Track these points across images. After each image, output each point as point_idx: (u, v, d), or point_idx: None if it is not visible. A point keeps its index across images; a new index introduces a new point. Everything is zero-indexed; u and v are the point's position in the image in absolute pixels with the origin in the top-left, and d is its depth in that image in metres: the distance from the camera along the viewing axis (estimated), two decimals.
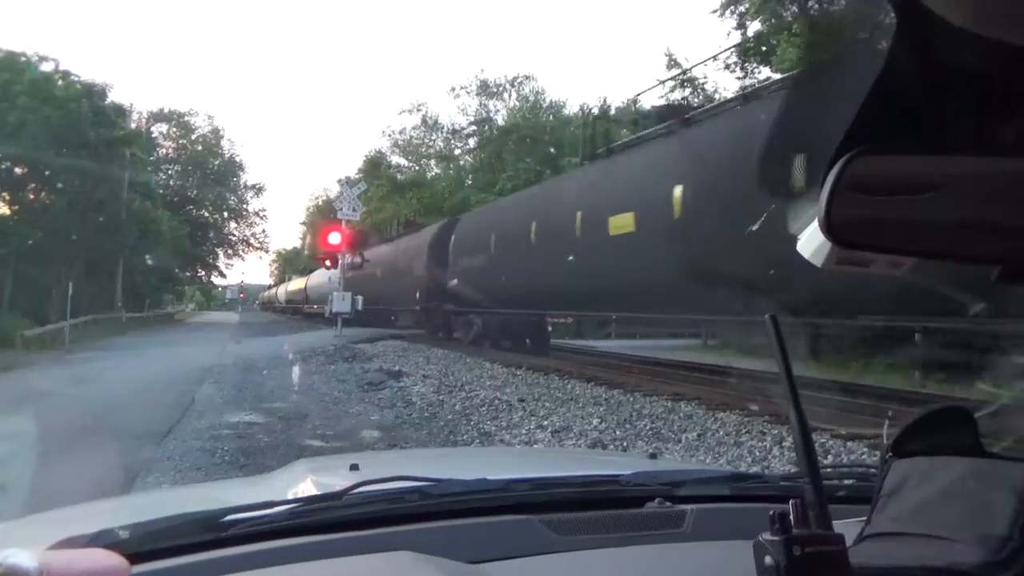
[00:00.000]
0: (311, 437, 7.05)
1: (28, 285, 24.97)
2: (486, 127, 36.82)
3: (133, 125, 40.08)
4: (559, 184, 16.25)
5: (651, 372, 11.86)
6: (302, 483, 1.68)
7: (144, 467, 5.67)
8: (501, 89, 37.39)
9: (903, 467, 0.85)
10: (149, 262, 36.14)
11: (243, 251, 57.84)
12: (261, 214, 72.45)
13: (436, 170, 40.34)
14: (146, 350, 19.06)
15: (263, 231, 78.17)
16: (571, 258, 12.05)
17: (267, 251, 67.62)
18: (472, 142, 38.14)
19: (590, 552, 1.05)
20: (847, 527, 0.78)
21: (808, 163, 6.44)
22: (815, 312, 7.83)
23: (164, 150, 52.20)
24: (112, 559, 0.57)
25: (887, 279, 0.74)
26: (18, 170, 26.66)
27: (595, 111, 28.23)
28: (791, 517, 0.67)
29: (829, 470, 1.55)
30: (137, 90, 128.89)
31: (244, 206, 56.65)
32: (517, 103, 37.36)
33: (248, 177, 59.52)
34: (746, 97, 10.58)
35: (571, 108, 36.25)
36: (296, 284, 47.59)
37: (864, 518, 0.86)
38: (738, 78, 20.99)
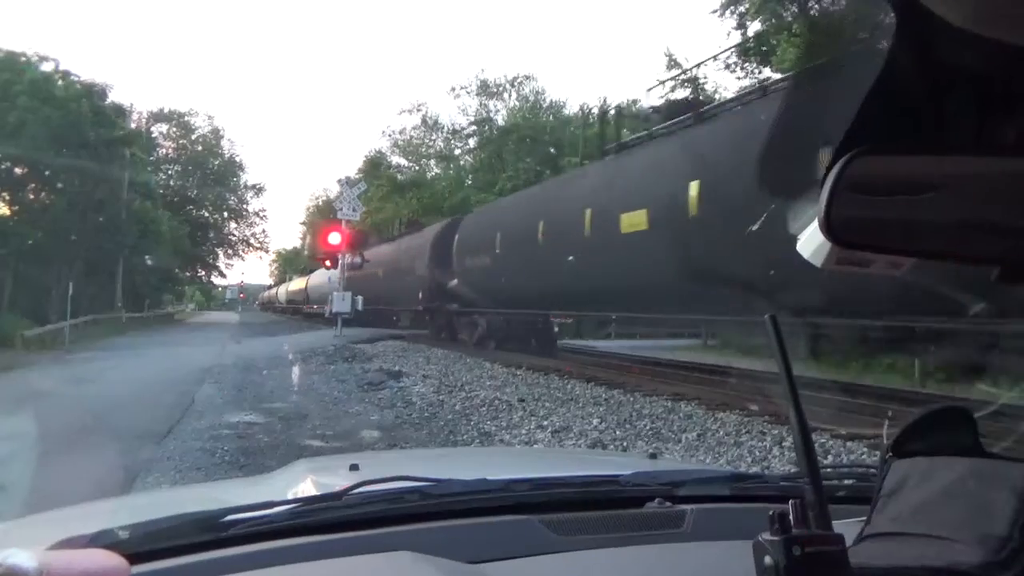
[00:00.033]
0: (311, 437, 7.05)
1: (28, 285, 24.98)
2: (486, 127, 36.82)
3: (133, 125, 40.15)
4: (567, 182, 15.79)
5: (651, 372, 11.85)
6: (302, 483, 1.68)
7: (144, 467, 5.67)
8: (501, 89, 37.45)
9: (903, 467, 0.85)
10: (149, 262, 36.16)
11: (243, 251, 57.96)
12: (261, 214, 72.65)
13: (436, 170, 40.36)
14: (146, 350, 19.07)
15: (263, 231, 78.38)
16: (579, 257, 11.79)
17: (267, 251, 67.77)
18: (472, 142, 38.18)
19: (590, 552, 1.05)
20: (847, 527, 0.78)
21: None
22: (832, 312, 7.72)
23: (164, 150, 52.30)
24: (112, 559, 0.57)
25: (887, 279, 0.74)
26: (18, 170, 26.68)
27: (601, 109, 28.13)
28: (791, 517, 0.67)
29: (829, 470, 1.55)
30: (137, 90, 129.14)
31: (244, 206, 56.77)
32: (517, 103, 37.41)
33: (248, 177, 59.75)
34: (766, 89, 10.27)
35: (571, 108, 36.32)
36: (296, 284, 47.58)
37: (864, 518, 0.86)
38: (738, 78, 21.02)
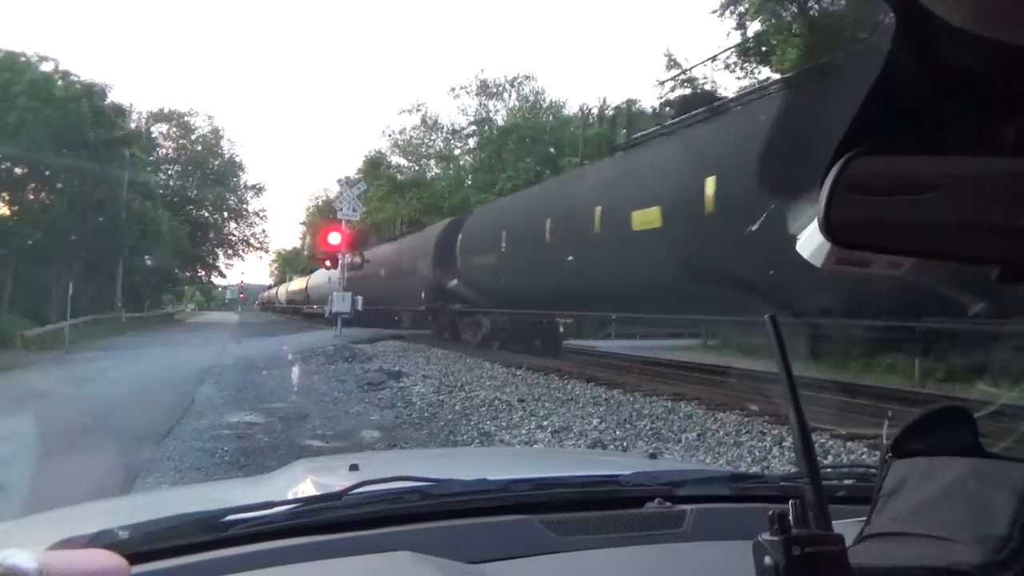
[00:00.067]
0: (311, 437, 7.05)
1: (28, 285, 24.97)
2: (486, 127, 36.80)
3: (133, 125, 40.13)
4: (575, 179, 15.26)
5: (651, 372, 11.84)
6: (302, 483, 1.68)
7: (144, 467, 5.67)
8: (501, 89, 37.42)
9: (903, 467, 0.85)
10: (149, 262, 36.15)
11: (243, 251, 57.93)
12: (261, 214, 72.66)
13: (436, 170, 40.33)
14: (146, 350, 19.06)
15: (263, 231, 78.37)
16: (588, 256, 11.54)
17: (267, 251, 67.75)
18: (472, 142, 38.14)
19: (590, 552, 1.05)
20: (847, 527, 0.78)
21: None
22: (851, 314, 7.63)
23: (164, 150, 52.28)
24: (111, 559, 0.57)
25: (887, 279, 0.74)
26: (18, 170, 26.67)
27: (602, 109, 28.09)
28: (791, 517, 0.67)
29: (829, 470, 1.55)
30: (137, 90, 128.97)
31: (244, 206, 56.75)
32: (517, 103, 37.38)
33: (248, 177, 59.67)
34: (789, 80, 10.05)
35: (571, 108, 36.29)
36: (297, 284, 47.58)
37: (864, 518, 0.86)
38: (738, 78, 20.99)
